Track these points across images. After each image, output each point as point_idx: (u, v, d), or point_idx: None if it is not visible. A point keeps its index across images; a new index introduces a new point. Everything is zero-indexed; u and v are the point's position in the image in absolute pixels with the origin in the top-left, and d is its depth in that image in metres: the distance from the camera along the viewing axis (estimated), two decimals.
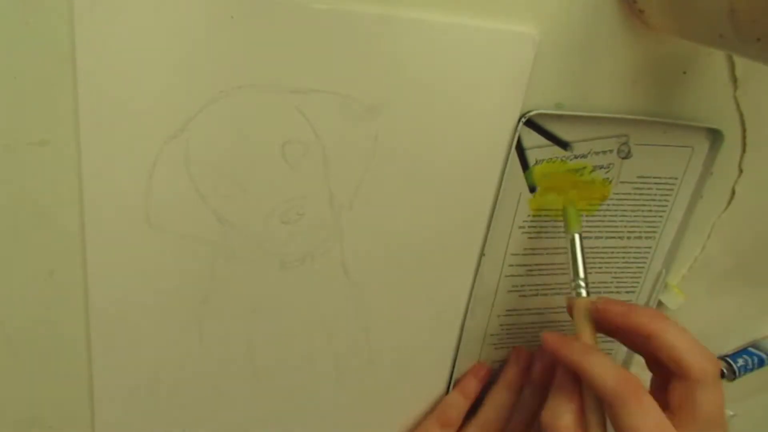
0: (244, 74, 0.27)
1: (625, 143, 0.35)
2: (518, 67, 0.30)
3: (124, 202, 0.28)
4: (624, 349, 0.41)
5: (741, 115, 0.37)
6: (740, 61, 0.35)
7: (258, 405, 0.35)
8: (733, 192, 0.40)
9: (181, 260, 0.30)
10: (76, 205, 0.28)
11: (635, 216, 0.38)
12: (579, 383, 0.31)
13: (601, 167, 0.36)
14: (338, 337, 0.35)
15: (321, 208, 0.31)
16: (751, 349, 0.47)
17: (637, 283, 0.40)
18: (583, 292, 0.34)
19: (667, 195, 0.38)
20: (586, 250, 0.38)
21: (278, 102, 0.28)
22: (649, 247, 0.39)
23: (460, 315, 0.37)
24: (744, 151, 0.39)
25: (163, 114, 0.27)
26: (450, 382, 0.39)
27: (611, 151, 0.35)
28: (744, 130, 0.38)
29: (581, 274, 0.34)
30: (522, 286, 0.38)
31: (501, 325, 0.39)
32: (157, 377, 0.32)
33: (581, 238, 0.34)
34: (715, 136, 0.37)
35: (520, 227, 0.36)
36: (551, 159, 0.34)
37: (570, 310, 0.34)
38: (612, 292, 0.40)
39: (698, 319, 0.45)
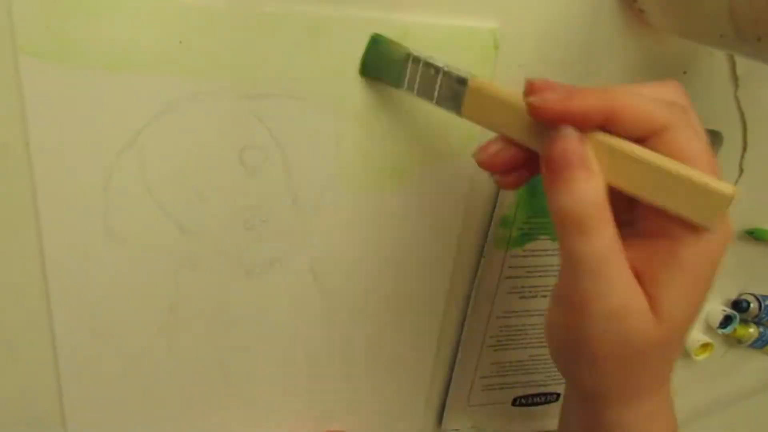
0: (196, 82, 0.27)
1: None
2: (481, 63, 0.30)
3: (81, 216, 0.28)
4: None
5: (742, 115, 0.37)
6: (741, 60, 0.35)
7: (231, 412, 0.35)
8: None
9: (144, 271, 0.30)
10: (32, 218, 0.27)
11: None
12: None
13: None
14: (311, 344, 0.35)
15: (285, 214, 0.31)
16: None
17: None
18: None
19: None
20: None
21: (233, 108, 0.28)
22: None
23: (439, 318, 0.36)
24: (745, 150, 0.39)
25: (113, 125, 0.26)
26: (449, 385, 0.39)
27: None
28: (745, 130, 0.38)
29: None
30: (522, 287, 0.38)
31: (500, 326, 0.39)
32: (127, 388, 0.32)
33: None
34: (714, 137, 0.36)
35: (520, 229, 0.36)
36: None
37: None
38: None
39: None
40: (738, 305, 0.45)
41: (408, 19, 0.28)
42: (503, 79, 0.31)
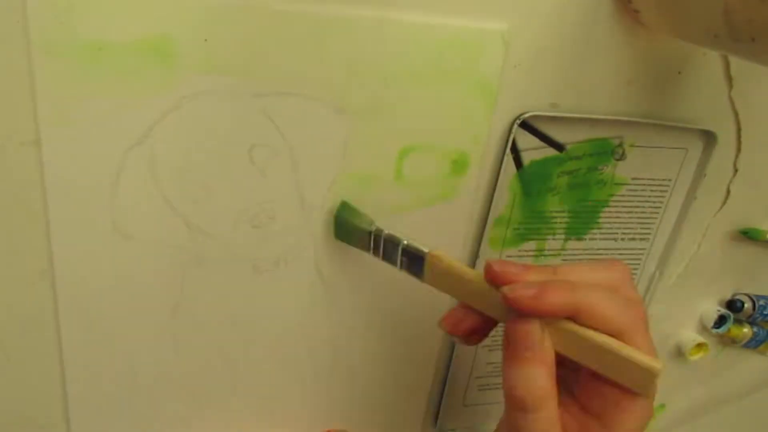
0: (206, 79, 0.26)
1: (620, 145, 0.35)
2: (489, 64, 0.30)
3: (90, 211, 0.28)
4: None
5: (736, 115, 0.37)
6: (735, 61, 0.35)
7: (235, 409, 0.35)
8: (728, 191, 0.40)
9: (151, 267, 0.30)
10: (41, 215, 0.27)
11: (629, 217, 0.38)
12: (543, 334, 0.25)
13: (596, 169, 0.35)
14: (316, 341, 0.35)
15: (292, 212, 0.31)
16: None
17: None
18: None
19: (661, 196, 0.38)
20: (581, 252, 0.38)
21: (242, 106, 0.28)
22: (643, 249, 0.39)
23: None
24: (739, 150, 0.39)
25: (124, 121, 0.26)
26: (444, 385, 0.39)
27: (605, 152, 0.35)
28: (739, 130, 0.38)
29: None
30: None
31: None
32: (134, 384, 0.32)
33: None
34: (708, 137, 0.37)
35: (515, 229, 0.36)
36: (546, 160, 0.34)
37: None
38: None
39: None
40: (732, 305, 0.45)
41: (418, 20, 0.28)
42: (498, 79, 0.31)
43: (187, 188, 0.28)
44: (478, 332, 0.28)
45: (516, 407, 0.25)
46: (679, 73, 0.35)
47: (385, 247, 0.29)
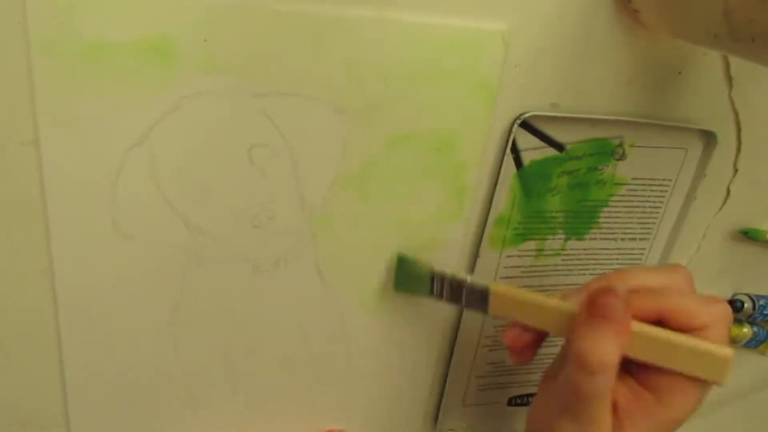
0: (206, 79, 0.27)
1: (620, 145, 0.35)
2: (489, 64, 0.30)
3: (90, 211, 0.28)
4: None
5: (736, 115, 0.37)
6: (735, 61, 0.35)
7: (235, 409, 0.35)
8: (728, 191, 0.40)
9: (151, 267, 0.30)
10: (40, 215, 0.27)
11: (629, 217, 0.38)
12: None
13: (596, 169, 0.35)
14: (316, 341, 0.35)
15: (292, 212, 0.31)
16: None
17: None
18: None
19: (661, 196, 0.38)
20: (581, 252, 0.38)
21: (242, 106, 0.28)
22: (644, 249, 0.39)
23: (442, 320, 0.37)
24: (739, 150, 0.39)
25: (124, 121, 0.26)
26: (444, 385, 0.39)
27: (606, 152, 0.35)
28: (739, 130, 0.38)
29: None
30: (517, 287, 0.38)
31: (496, 327, 0.39)
32: (133, 384, 0.32)
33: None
34: (708, 137, 0.37)
35: (515, 229, 0.36)
36: (546, 160, 0.34)
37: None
38: None
39: None
40: (732, 305, 0.45)
41: (418, 20, 0.28)
42: (498, 80, 0.31)
43: (187, 188, 0.28)
44: (531, 347, 0.30)
45: (583, 368, 0.26)
46: (679, 73, 0.35)
47: (449, 288, 0.31)
